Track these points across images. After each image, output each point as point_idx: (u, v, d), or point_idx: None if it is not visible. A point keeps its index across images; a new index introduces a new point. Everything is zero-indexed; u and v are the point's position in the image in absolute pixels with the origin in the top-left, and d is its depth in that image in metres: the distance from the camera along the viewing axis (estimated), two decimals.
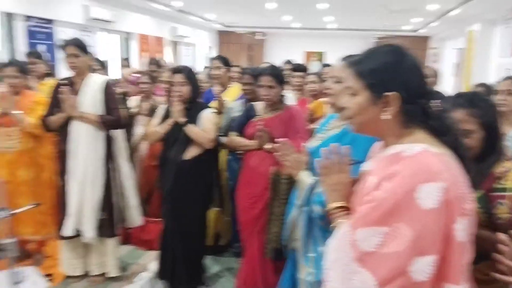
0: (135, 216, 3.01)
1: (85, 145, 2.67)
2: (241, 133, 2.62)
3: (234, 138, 2.63)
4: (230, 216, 3.17)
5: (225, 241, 3.32)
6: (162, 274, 2.78)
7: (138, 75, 3.90)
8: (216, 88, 3.37)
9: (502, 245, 1.17)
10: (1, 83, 3.04)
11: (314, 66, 6.74)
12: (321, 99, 3.29)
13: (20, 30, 6.90)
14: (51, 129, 2.79)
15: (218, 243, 3.32)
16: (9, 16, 6.79)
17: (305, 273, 1.67)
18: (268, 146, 2.46)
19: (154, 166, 3.28)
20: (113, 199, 2.82)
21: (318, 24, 12.40)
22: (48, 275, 2.85)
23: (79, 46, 2.65)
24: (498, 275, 1.17)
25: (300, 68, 3.81)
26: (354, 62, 1.14)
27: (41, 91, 3.15)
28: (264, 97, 2.48)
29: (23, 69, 2.93)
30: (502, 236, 1.19)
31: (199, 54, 13.17)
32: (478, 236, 1.07)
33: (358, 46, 1.42)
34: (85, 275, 2.90)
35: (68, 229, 2.68)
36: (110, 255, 2.85)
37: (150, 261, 3.04)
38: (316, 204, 1.53)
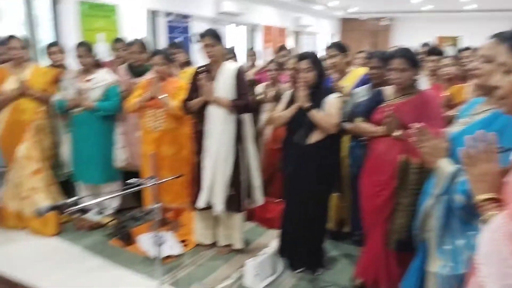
0: (258, 196, 3.18)
1: (219, 126, 2.90)
2: (368, 118, 2.56)
3: (360, 124, 2.58)
4: (350, 203, 3.14)
5: (348, 228, 3.31)
6: (282, 252, 2.90)
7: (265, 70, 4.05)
8: (334, 76, 3.34)
9: None
10: (150, 71, 3.47)
11: (449, 51, 6.16)
12: (461, 84, 3.03)
13: (162, 25, 7.70)
14: (190, 112, 3.10)
15: (340, 229, 3.33)
16: (154, 13, 7.62)
17: (437, 266, 1.58)
18: (397, 132, 2.36)
19: (277, 149, 3.40)
20: (241, 178, 3.02)
21: (453, 6, 11.28)
22: (182, 241, 3.18)
23: (215, 36, 2.87)
24: None
25: (435, 51, 3.54)
26: (509, 37, 1.04)
27: (182, 78, 3.50)
28: (395, 80, 2.38)
29: (168, 57, 3.29)
30: None
31: (320, 43, 13.11)
32: None
33: (501, 30, 1.26)
34: (214, 245, 3.16)
35: (201, 202, 2.96)
36: (236, 228, 3.07)
37: (272, 238, 3.19)
38: (458, 193, 1.43)
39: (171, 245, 3.03)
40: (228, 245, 3.13)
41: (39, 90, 3.46)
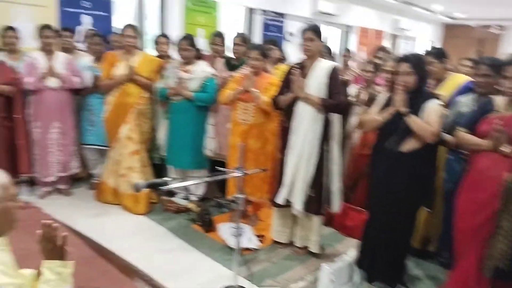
0: (336, 201, 3.07)
1: (306, 124, 2.86)
2: (472, 130, 2.34)
3: (463, 135, 2.37)
4: (440, 220, 2.91)
5: (433, 247, 3.07)
6: (361, 262, 2.78)
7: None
8: (430, 83, 3.10)
9: None
10: (246, 65, 3.55)
11: None
12: None
13: (258, 22, 7.86)
14: (279, 108, 3.11)
15: (425, 248, 3.10)
16: (251, 11, 7.80)
17: None
18: (505, 148, 2.13)
19: (365, 155, 3.28)
20: (323, 179, 2.95)
21: None
22: (259, 236, 3.21)
23: (316, 31, 2.85)
24: None
25: None
26: None
27: (275, 74, 3.53)
28: (510, 90, 2.14)
29: (264, 53, 3.33)
30: None
31: (418, 48, 12.36)
32: None
33: None
34: (290, 244, 3.14)
35: (280, 198, 2.96)
36: (313, 231, 3.01)
37: (350, 247, 3.08)
38: None
39: (249, 238, 3.08)
40: (305, 247, 3.09)
41: (145, 77, 3.72)
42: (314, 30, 2.84)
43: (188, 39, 3.65)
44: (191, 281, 2.61)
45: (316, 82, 2.86)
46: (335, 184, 3.01)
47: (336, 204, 3.04)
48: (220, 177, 2.29)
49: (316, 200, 2.95)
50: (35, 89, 3.60)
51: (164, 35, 4.25)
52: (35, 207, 3.27)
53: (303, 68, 2.94)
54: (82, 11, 5.70)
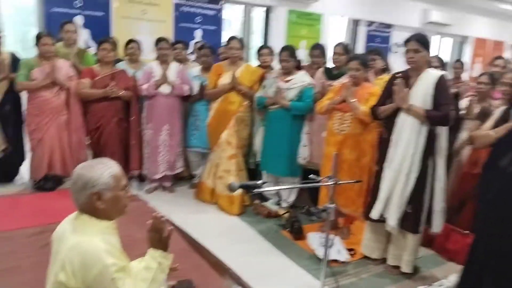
0: (437, 221, 2.84)
1: (406, 137, 2.71)
2: None
3: None
4: None
5: None
6: None
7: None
8: None
9: None
10: (346, 75, 3.49)
11: None
12: None
13: (362, 34, 7.71)
14: (379, 118, 3.00)
15: None
16: (355, 22, 7.68)
17: None
18: None
19: (474, 174, 2.99)
20: (424, 196, 2.76)
21: None
22: (349, 250, 3.11)
23: (421, 41, 2.69)
24: None
25: None
26: None
27: (377, 85, 3.41)
28: None
29: (364, 63, 3.25)
30: None
31: None
32: None
33: None
34: (382, 261, 2.99)
35: (375, 212, 2.83)
36: (408, 250, 2.82)
37: (450, 272, 2.82)
38: None
39: (338, 250, 3.00)
40: (397, 267, 2.91)
41: (246, 86, 3.89)
42: (418, 40, 2.69)
43: (288, 50, 3.72)
44: (277, 285, 2.63)
45: (421, 93, 2.70)
46: (438, 203, 2.79)
47: (437, 225, 2.82)
48: (311, 185, 2.28)
49: (414, 217, 2.77)
50: (149, 95, 3.99)
51: (266, 47, 4.40)
52: (142, 200, 3.60)
53: (407, 78, 2.80)
54: (195, 25, 6.22)
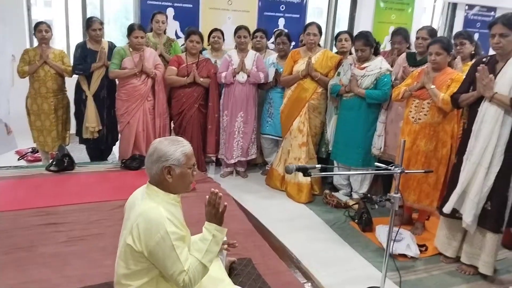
0: None
1: (489, 127, 2.47)
2: None
3: None
4: None
5: None
6: None
7: None
8: None
9: None
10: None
11: None
12: None
13: (459, 18, 7.08)
14: (460, 107, 2.78)
15: None
16: (453, 6, 7.08)
17: None
18: None
19: None
20: (508, 193, 2.50)
21: None
22: (421, 246, 2.94)
23: (508, 24, 2.41)
24: None
25: None
26: None
27: (462, 71, 3.13)
28: None
29: (446, 47, 2.96)
30: None
31: None
32: None
33: None
34: (457, 259, 2.78)
35: (448, 206, 2.63)
36: (486, 250, 2.58)
37: None
38: None
39: (408, 245, 2.85)
40: (473, 266, 2.68)
41: (322, 73, 3.83)
42: (504, 24, 2.41)
43: (363, 38, 3.54)
44: (338, 274, 2.59)
45: (508, 80, 2.44)
46: None
47: None
48: (372, 172, 2.20)
49: (495, 215, 2.53)
50: (227, 82, 4.15)
51: (345, 32, 4.28)
52: (216, 183, 3.77)
53: (494, 64, 2.54)
54: (278, 14, 6.27)
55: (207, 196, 1.71)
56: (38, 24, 3.99)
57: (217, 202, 1.70)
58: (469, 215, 2.54)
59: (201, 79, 4.08)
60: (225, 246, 2.04)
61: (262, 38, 4.50)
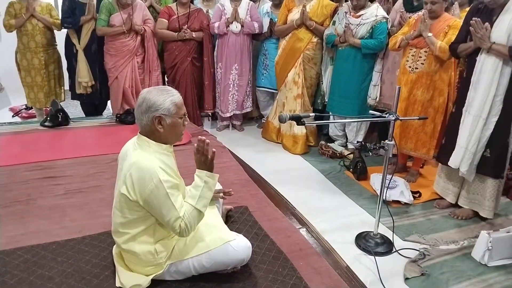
0: None
1: (487, 78, 2.43)
2: None
3: None
4: None
5: None
6: None
7: None
8: None
9: None
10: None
11: None
12: None
13: None
14: (459, 56, 2.73)
15: None
16: None
17: None
18: None
19: None
20: (509, 139, 2.51)
21: None
22: (415, 192, 2.99)
23: None
24: None
25: None
26: None
27: (461, 18, 3.05)
28: None
29: None
30: None
31: None
32: None
33: None
34: (453, 206, 2.83)
35: (453, 161, 2.62)
36: (487, 195, 2.61)
37: None
38: None
39: (401, 191, 2.90)
40: (467, 210, 2.73)
41: (317, 22, 3.72)
42: None
43: None
44: (332, 221, 2.65)
45: (505, 27, 2.36)
46: None
47: None
48: (368, 120, 2.18)
49: (494, 161, 2.54)
50: (221, 33, 4.03)
51: None
52: (212, 136, 3.78)
53: (490, 10, 2.45)
54: None
55: (195, 145, 1.70)
56: None
57: (206, 149, 1.69)
58: (465, 165, 2.56)
59: (194, 34, 3.97)
60: (221, 194, 2.07)
61: None
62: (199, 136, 1.72)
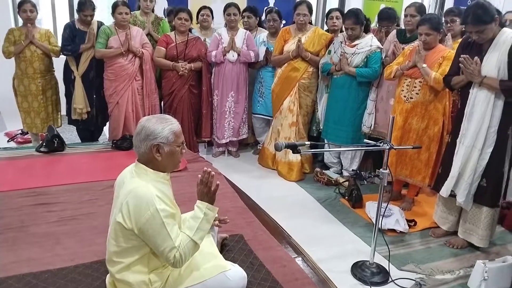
0: None
1: (480, 110, 2.48)
2: None
3: None
4: None
5: None
6: None
7: None
8: None
9: None
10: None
11: None
12: None
13: None
14: (453, 89, 2.80)
15: None
16: None
17: None
18: None
19: None
20: (504, 169, 2.54)
21: None
22: (411, 221, 2.99)
23: (478, 16, 2.37)
24: None
25: None
26: None
27: (453, 49, 3.13)
28: None
29: (435, 26, 2.91)
30: None
31: None
32: None
33: None
34: (445, 233, 2.85)
35: (444, 190, 2.66)
36: (482, 224, 2.62)
37: None
38: None
39: (397, 220, 2.89)
40: (462, 240, 2.74)
41: (313, 52, 3.80)
42: (476, 16, 2.37)
43: (353, 16, 3.49)
44: (328, 249, 2.63)
45: (494, 61, 2.43)
46: None
47: None
48: (363, 149, 2.21)
49: (490, 191, 2.57)
50: (218, 61, 4.10)
51: (336, 10, 4.23)
52: (208, 162, 3.78)
53: (480, 44, 2.52)
54: None
55: (200, 175, 1.71)
56: (22, 3, 3.87)
57: (210, 181, 1.70)
58: (462, 195, 2.58)
59: (193, 66, 4.03)
60: (216, 222, 2.06)
61: (250, 18, 4.38)
62: (205, 168, 1.72)
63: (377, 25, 3.94)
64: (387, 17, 3.79)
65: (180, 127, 1.72)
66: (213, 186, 1.71)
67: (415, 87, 3.05)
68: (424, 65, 2.95)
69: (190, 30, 4.21)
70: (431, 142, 3.06)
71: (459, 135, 2.62)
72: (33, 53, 3.93)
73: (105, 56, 3.87)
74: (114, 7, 3.82)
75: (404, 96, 3.10)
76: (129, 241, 1.64)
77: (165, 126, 1.66)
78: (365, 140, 2.43)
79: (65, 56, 4.04)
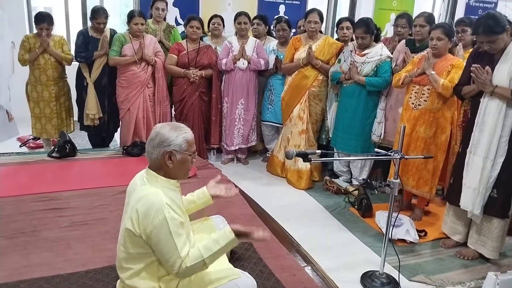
0: None
1: (492, 120, 2.47)
2: None
3: None
4: None
5: None
6: None
7: None
8: None
9: None
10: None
11: None
12: None
13: (460, 6, 7.03)
14: (463, 98, 2.79)
15: None
16: None
17: None
18: None
19: None
20: None
21: None
22: (421, 231, 2.96)
23: (489, 27, 2.37)
24: None
25: None
26: None
27: (464, 59, 3.12)
28: None
29: (448, 33, 2.94)
30: None
31: None
32: None
33: None
34: (461, 245, 2.81)
35: (464, 203, 2.62)
36: (492, 235, 2.60)
37: None
38: None
39: (407, 230, 2.88)
40: (473, 251, 2.71)
41: (323, 61, 3.81)
42: (487, 27, 2.37)
43: (363, 25, 3.50)
44: (337, 259, 2.62)
45: (506, 70, 2.42)
46: None
47: None
48: (373, 158, 2.20)
49: (501, 202, 2.55)
50: (228, 69, 4.13)
51: (346, 19, 4.25)
52: (217, 169, 3.79)
53: (492, 54, 2.52)
54: (279, 0, 6.22)
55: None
56: (39, 21, 3.89)
57: (249, 234, 1.65)
58: (477, 206, 2.55)
59: (203, 73, 4.07)
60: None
61: (259, 25, 4.42)
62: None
63: (394, 25, 3.92)
64: (406, 16, 3.81)
65: (193, 136, 1.73)
66: (251, 236, 1.65)
67: (423, 94, 3.04)
68: (433, 72, 2.94)
69: (201, 38, 4.25)
70: (438, 151, 3.04)
71: (469, 145, 2.60)
72: (47, 61, 4.00)
73: (119, 63, 3.93)
74: (130, 17, 3.88)
75: (412, 103, 3.09)
76: (138, 248, 1.65)
77: (179, 134, 1.67)
78: (375, 149, 2.42)
79: (77, 63, 4.10)
